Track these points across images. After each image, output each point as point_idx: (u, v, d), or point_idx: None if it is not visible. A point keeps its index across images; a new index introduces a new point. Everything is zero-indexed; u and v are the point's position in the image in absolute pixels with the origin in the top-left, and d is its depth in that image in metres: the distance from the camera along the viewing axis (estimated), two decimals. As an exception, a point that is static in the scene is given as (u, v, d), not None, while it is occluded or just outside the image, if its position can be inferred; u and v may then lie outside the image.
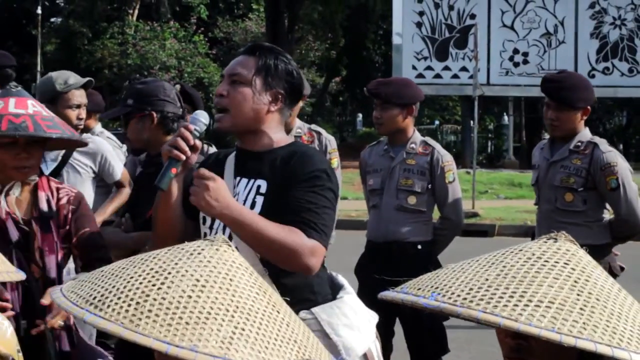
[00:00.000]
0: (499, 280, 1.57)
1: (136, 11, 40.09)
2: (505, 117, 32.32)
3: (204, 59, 37.02)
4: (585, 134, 5.13)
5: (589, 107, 5.13)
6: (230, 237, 3.07)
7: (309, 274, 3.02)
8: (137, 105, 4.22)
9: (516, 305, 1.51)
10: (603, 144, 5.10)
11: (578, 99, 5.05)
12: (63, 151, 5.03)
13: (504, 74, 25.49)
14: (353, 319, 3.12)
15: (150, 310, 1.59)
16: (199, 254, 1.74)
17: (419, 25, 25.89)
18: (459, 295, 1.56)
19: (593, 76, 25.06)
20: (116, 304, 1.62)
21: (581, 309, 1.52)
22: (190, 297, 1.62)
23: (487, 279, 1.58)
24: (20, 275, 2.23)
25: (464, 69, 25.19)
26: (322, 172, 3.10)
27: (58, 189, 3.65)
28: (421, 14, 25.89)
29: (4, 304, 3.27)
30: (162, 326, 1.57)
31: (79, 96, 5.14)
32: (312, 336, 1.80)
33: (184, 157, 3.00)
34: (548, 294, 1.53)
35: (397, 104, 5.33)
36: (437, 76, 25.63)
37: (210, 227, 3.21)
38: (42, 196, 3.58)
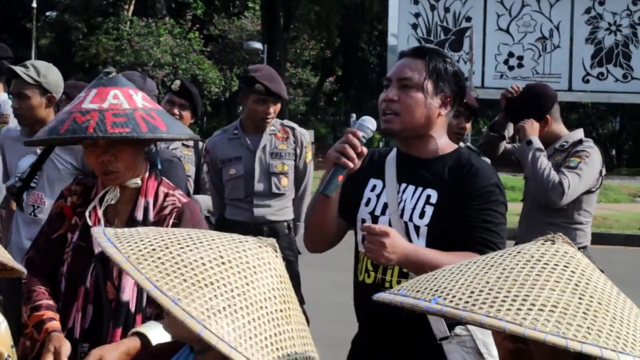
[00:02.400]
0: (500, 283, 1.53)
1: (132, 7, 40.03)
2: (499, 120, 32.29)
3: (199, 56, 36.99)
4: (573, 135, 5.19)
5: (547, 117, 5.14)
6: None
7: None
8: None
9: (519, 309, 1.48)
10: (588, 141, 5.15)
11: (530, 111, 5.18)
12: None
13: (499, 77, 25.47)
14: None
15: (159, 258, 1.68)
16: (240, 242, 1.81)
17: (414, 26, 25.87)
18: (460, 299, 1.53)
19: (587, 81, 25.09)
20: (135, 243, 1.72)
21: (584, 313, 1.49)
22: (204, 264, 1.69)
23: (487, 282, 1.54)
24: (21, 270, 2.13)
25: (458, 71, 25.16)
26: (494, 186, 3.06)
27: (166, 196, 3.20)
28: (417, 15, 25.87)
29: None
30: (160, 272, 1.65)
31: (13, 85, 5.00)
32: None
33: (351, 165, 2.90)
34: (550, 298, 1.49)
35: None
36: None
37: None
38: (141, 203, 3.16)
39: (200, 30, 38.16)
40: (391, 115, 3.08)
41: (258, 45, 30.57)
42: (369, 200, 3.16)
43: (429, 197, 3.05)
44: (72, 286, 3.13)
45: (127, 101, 3.07)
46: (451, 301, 1.53)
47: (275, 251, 1.87)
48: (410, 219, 3.04)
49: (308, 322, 5.42)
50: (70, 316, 3.12)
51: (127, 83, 3.23)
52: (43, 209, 4.81)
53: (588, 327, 1.46)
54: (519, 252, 1.62)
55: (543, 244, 1.64)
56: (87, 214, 3.17)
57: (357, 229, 3.19)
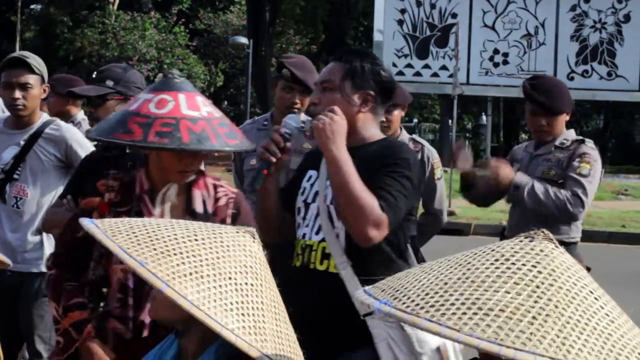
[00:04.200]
0: (458, 284, 1.51)
1: (117, 0, 39.88)
2: (484, 117, 32.41)
3: (184, 51, 36.89)
4: (570, 133, 5.21)
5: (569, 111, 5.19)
6: (319, 230, 3.27)
7: (365, 243, 3.10)
8: (118, 89, 4.16)
9: (464, 313, 1.45)
10: (590, 142, 5.19)
11: (564, 104, 5.12)
12: (28, 135, 4.85)
13: (484, 74, 25.55)
14: None
15: (134, 233, 1.80)
16: (219, 227, 1.94)
17: (400, 22, 25.90)
18: (413, 301, 1.51)
19: (572, 79, 25.16)
20: (115, 223, 1.86)
21: (533, 317, 1.44)
22: (176, 239, 1.81)
23: (446, 283, 1.52)
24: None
25: (444, 67, 25.24)
26: (403, 160, 3.22)
27: (215, 187, 3.23)
28: (403, 11, 25.90)
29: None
30: (132, 242, 1.78)
31: (13, 74, 4.82)
32: (284, 343, 1.87)
33: (274, 160, 3.21)
34: (501, 301, 1.46)
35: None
36: (417, 74, 25.65)
37: (303, 218, 3.37)
38: (197, 195, 3.17)
39: (185, 24, 38.07)
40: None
41: (244, 40, 30.50)
42: (304, 189, 3.40)
43: None
44: (142, 283, 3.03)
45: (213, 109, 3.10)
46: (404, 303, 1.51)
47: (254, 237, 1.98)
48: (332, 202, 3.24)
49: None
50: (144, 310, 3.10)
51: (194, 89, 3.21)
52: (26, 201, 4.80)
53: (531, 333, 1.42)
54: (492, 250, 1.59)
55: (521, 240, 1.60)
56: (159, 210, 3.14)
57: (296, 216, 3.42)
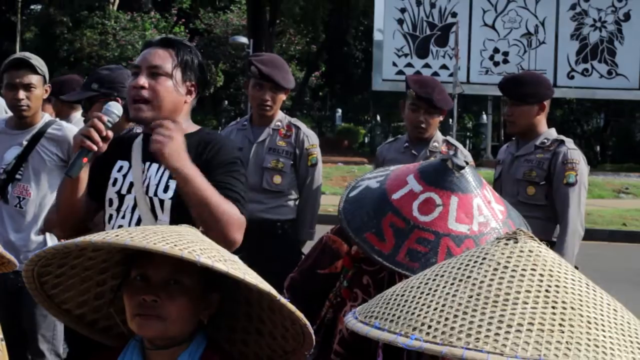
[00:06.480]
0: (473, 303, 1.43)
1: (117, 1, 39.87)
2: (484, 116, 32.42)
3: (184, 51, 36.83)
4: (551, 132, 5.19)
5: (544, 103, 5.14)
6: (138, 222, 3.18)
7: (232, 247, 3.01)
8: (102, 90, 4.18)
9: (497, 333, 1.37)
10: (570, 142, 5.15)
11: (528, 94, 5.11)
12: (30, 135, 4.89)
13: (484, 73, 25.56)
14: None
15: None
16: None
17: (400, 22, 25.92)
18: (436, 329, 1.42)
19: (572, 77, 25.18)
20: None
21: (560, 325, 1.39)
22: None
23: (460, 304, 1.44)
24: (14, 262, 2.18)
25: (444, 66, 25.25)
26: (237, 159, 3.23)
27: None
28: (403, 10, 25.92)
29: None
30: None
31: (16, 74, 4.84)
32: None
33: (95, 148, 3.04)
34: (525, 314, 1.40)
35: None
36: (417, 73, 25.64)
37: (117, 209, 3.27)
38: None
39: (185, 24, 38.06)
40: (141, 103, 3.21)
41: (244, 39, 30.52)
42: (115, 180, 3.29)
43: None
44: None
45: (492, 214, 2.52)
46: (428, 333, 1.42)
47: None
48: (155, 194, 3.19)
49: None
50: None
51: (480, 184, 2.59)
52: (28, 201, 4.82)
53: (567, 342, 1.37)
54: (484, 258, 1.52)
55: (506, 243, 1.54)
56: None
57: (106, 208, 3.31)
